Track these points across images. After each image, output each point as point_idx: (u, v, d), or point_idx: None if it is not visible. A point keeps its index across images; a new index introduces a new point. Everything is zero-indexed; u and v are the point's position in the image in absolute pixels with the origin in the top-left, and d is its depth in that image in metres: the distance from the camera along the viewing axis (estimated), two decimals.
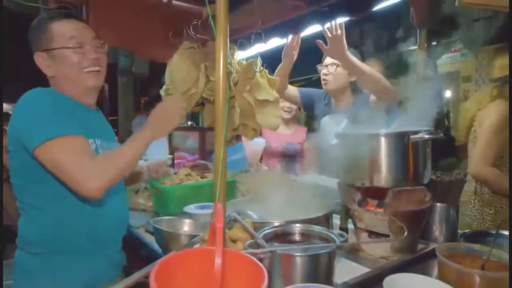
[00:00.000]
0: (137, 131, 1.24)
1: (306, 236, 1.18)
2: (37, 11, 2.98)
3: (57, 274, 1.19)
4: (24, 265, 1.22)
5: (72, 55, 1.25)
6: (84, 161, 1.08)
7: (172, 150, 2.52)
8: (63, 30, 1.26)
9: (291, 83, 2.50)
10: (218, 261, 0.65)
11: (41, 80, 1.34)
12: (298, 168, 2.87)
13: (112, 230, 1.32)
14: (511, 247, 1.07)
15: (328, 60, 2.25)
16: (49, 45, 1.24)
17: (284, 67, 2.23)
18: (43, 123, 1.11)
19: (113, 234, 1.33)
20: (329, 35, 1.76)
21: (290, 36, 2.10)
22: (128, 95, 5.53)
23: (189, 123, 3.59)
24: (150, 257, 1.45)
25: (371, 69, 1.89)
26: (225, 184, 0.90)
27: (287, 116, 2.89)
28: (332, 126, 2.13)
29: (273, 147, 2.86)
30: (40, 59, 1.26)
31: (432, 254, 1.23)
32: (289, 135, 2.90)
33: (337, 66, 2.23)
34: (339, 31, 1.74)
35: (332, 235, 1.11)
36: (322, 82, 2.29)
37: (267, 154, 2.94)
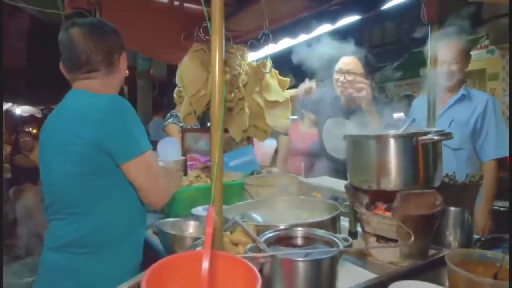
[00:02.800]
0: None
1: (310, 240, 1.15)
2: (59, 17, 3.08)
3: (102, 269, 1.23)
4: (67, 265, 1.23)
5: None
6: (158, 181, 1.27)
7: (185, 152, 2.54)
8: None
9: None
10: (205, 265, 0.64)
11: (65, 84, 1.38)
12: (319, 168, 2.81)
13: (145, 227, 1.43)
14: (511, 248, 1.01)
15: (343, 66, 2.17)
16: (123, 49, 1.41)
17: None
18: (133, 137, 1.21)
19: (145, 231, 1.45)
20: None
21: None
22: (146, 97, 5.63)
23: (209, 124, 3.61)
24: (157, 258, 1.46)
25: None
26: (221, 187, 0.89)
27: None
28: (335, 130, 2.10)
29: (298, 147, 2.82)
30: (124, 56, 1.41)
31: (443, 261, 1.18)
32: (314, 135, 2.84)
33: (355, 74, 2.14)
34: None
35: (335, 239, 1.08)
36: (339, 89, 2.20)
37: (292, 154, 2.90)
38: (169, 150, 2.44)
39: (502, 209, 2.62)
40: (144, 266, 1.32)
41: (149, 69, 5.59)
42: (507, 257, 0.98)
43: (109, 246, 1.24)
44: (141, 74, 5.59)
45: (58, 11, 2.71)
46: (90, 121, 1.19)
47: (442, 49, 2.14)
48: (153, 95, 5.62)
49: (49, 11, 2.93)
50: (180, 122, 3.16)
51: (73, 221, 1.23)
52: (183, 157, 2.46)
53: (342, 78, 2.15)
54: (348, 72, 2.14)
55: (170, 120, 3.27)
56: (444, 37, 1.73)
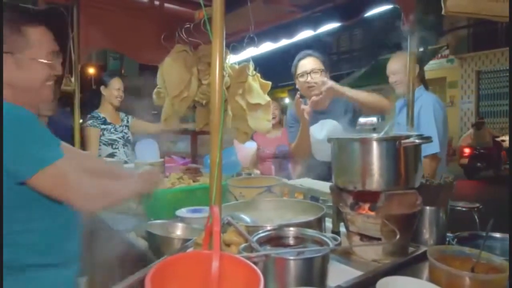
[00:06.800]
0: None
1: (300, 240, 1.18)
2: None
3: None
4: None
5: (43, 70, 1.17)
6: (82, 186, 1.13)
7: (163, 154, 2.50)
8: (42, 40, 1.18)
9: (281, 87, 2.51)
10: (215, 264, 0.65)
11: None
12: (291, 170, 2.92)
13: (77, 238, 1.31)
14: (511, 248, 1.08)
15: (307, 67, 2.19)
16: (21, 50, 1.13)
17: None
18: (37, 149, 1.07)
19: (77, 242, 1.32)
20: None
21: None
22: None
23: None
24: (142, 261, 1.43)
25: (366, 95, 2.02)
26: (221, 187, 0.90)
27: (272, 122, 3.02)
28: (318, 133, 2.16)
29: (266, 151, 2.93)
30: (7, 61, 1.12)
31: (423, 257, 1.25)
32: (278, 138, 2.95)
33: (321, 71, 2.18)
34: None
35: (325, 239, 1.12)
36: (308, 89, 2.21)
37: (261, 159, 3.01)
38: (147, 152, 2.40)
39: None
40: (130, 270, 1.30)
41: (120, 68, 5.45)
42: (483, 252, 1.06)
43: (35, 266, 1.14)
44: (112, 74, 5.42)
45: (27, 5, 2.59)
46: None
47: (389, 62, 2.33)
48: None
49: (17, 4, 2.79)
50: (102, 124, 2.80)
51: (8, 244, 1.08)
52: (161, 159, 2.43)
53: (310, 78, 2.17)
54: (313, 71, 2.16)
55: (90, 122, 2.80)
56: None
